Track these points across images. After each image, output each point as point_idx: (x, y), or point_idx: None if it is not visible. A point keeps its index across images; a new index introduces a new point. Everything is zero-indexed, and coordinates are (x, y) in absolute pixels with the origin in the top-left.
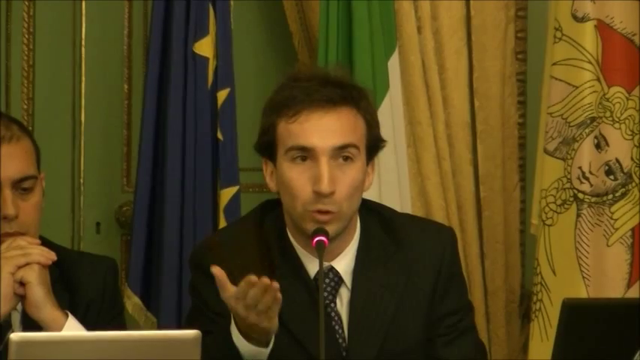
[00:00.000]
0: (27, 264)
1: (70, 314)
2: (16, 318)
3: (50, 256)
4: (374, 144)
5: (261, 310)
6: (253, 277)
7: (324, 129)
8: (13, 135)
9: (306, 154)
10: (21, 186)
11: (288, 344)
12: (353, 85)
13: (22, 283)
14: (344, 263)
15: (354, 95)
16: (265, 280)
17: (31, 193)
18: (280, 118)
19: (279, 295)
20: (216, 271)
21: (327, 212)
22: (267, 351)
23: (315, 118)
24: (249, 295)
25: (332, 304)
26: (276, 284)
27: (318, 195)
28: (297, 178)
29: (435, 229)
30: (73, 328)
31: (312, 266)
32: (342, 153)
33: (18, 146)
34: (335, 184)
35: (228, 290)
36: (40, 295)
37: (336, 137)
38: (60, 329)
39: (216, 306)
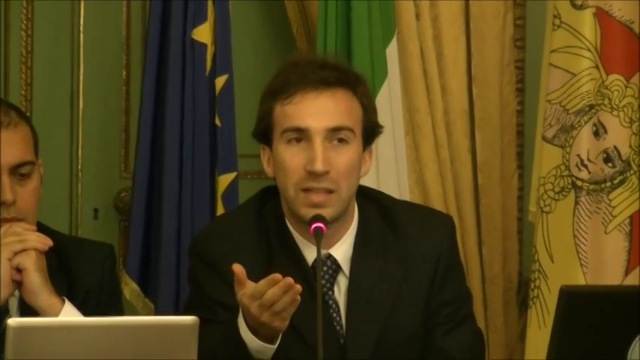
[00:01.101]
0: (23, 250)
1: (66, 300)
2: (13, 304)
3: (47, 242)
4: (371, 130)
5: (277, 310)
6: (277, 276)
7: (318, 110)
8: (11, 121)
9: (300, 135)
10: (19, 172)
11: (285, 331)
12: (349, 69)
13: (18, 270)
14: (342, 251)
15: (351, 79)
16: (289, 280)
17: (29, 179)
18: (276, 102)
19: (299, 298)
20: (237, 269)
21: (323, 192)
22: (273, 347)
23: (310, 99)
24: (268, 294)
25: (330, 292)
26: (298, 287)
27: (312, 175)
28: (291, 159)
29: (434, 217)
30: (69, 315)
31: (309, 253)
32: (336, 135)
33: (16, 132)
34: (329, 165)
35: (246, 288)
36: (37, 281)
37: (330, 118)
38: (57, 315)
39: (215, 295)
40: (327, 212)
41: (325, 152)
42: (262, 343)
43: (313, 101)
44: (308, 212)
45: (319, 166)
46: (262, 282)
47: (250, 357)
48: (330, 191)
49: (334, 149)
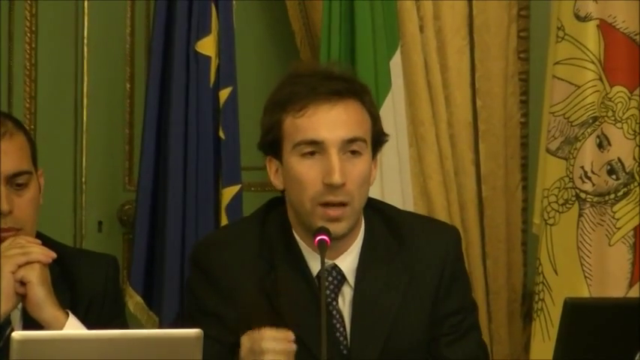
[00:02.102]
0: (27, 263)
1: (70, 313)
2: (16, 316)
3: (50, 254)
4: (378, 139)
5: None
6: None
7: (332, 121)
8: (7, 131)
9: (315, 148)
10: (15, 181)
11: None
12: (355, 79)
13: (22, 283)
14: (347, 262)
15: (358, 89)
16: (288, 333)
17: (26, 188)
18: (286, 114)
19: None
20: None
21: (339, 205)
22: None
23: (323, 111)
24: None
25: (334, 303)
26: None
27: (329, 187)
28: (307, 172)
29: (439, 228)
30: (73, 327)
31: (315, 264)
32: (350, 147)
33: (12, 142)
34: (346, 176)
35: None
36: (41, 294)
37: (345, 129)
38: (61, 329)
39: (211, 306)
40: (341, 226)
41: (342, 164)
42: None
43: (327, 113)
44: (322, 223)
45: (337, 178)
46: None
47: None
48: (344, 204)
49: (349, 160)
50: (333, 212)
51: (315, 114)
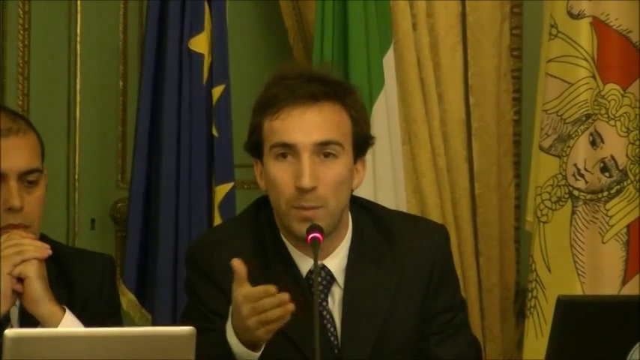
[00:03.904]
0: (23, 261)
1: (67, 309)
2: (14, 313)
3: (45, 249)
4: (362, 141)
5: (264, 320)
6: (272, 288)
7: (305, 125)
8: (20, 128)
9: (288, 150)
10: (27, 179)
11: (280, 343)
12: (338, 81)
13: (20, 279)
14: (336, 262)
15: (338, 91)
16: (284, 296)
17: (36, 186)
18: (265, 117)
19: (289, 316)
20: (237, 264)
21: (310, 207)
22: (256, 355)
23: (297, 114)
24: (263, 301)
25: (324, 303)
26: (291, 306)
27: (300, 191)
28: (281, 175)
29: (427, 228)
30: (70, 323)
31: (303, 264)
32: (324, 149)
33: (25, 139)
34: (317, 180)
35: (243, 288)
36: (38, 290)
37: (317, 133)
38: (57, 324)
39: (212, 304)
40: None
41: (313, 167)
42: (246, 349)
43: (300, 117)
44: (300, 227)
45: (306, 182)
46: (260, 288)
47: None
48: (317, 206)
49: (322, 164)
50: (306, 213)
51: (289, 116)
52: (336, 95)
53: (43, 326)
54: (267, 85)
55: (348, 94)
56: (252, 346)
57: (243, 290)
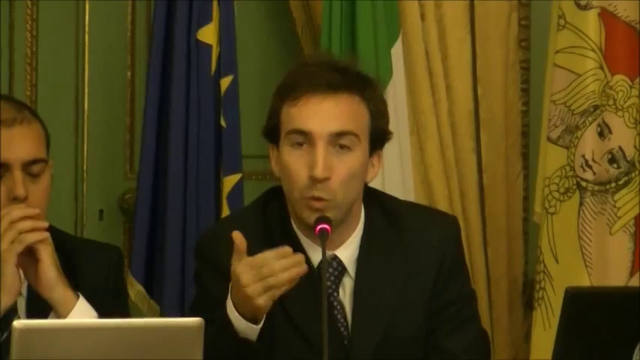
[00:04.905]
0: (25, 247)
1: (80, 295)
2: (21, 303)
3: (42, 228)
4: (379, 135)
5: (269, 284)
6: (287, 249)
7: (322, 114)
8: (25, 118)
9: (303, 138)
10: (31, 169)
11: (290, 333)
12: (359, 73)
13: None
14: (347, 252)
15: (359, 83)
16: (300, 256)
17: (41, 177)
18: (283, 102)
19: (296, 280)
20: (237, 237)
21: (319, 199)
22: (257, 328)
23: (315, 103)
24: (272, 263)
25: (335, 294)
26: (306, 266)
27: (313, 181)
28: (294, 163)
29: (438, 218)
30: (83, 309)
31: (315, 255)
32: (339, 140)
33: (29, 129)
34: (330, 171)
35: (243, 258)
36: (52, 274)
37: (333, 123)
38: (71, 309)
39: (220, 295)
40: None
41: (327, 158)
42: (246, 322)
43: (318, 105)
44: (310, 216)
45: (320, 173)
46: (270, 252)
47: (237, 337)
48: (326, 199)
49: (337, 155)
50: (315, 204)
51: (306, 104)
52: (355, 87)
53: (55, 312)
54: (290, 71)
55: (368, 86)
56: (251, 318)
57: (243, 260)
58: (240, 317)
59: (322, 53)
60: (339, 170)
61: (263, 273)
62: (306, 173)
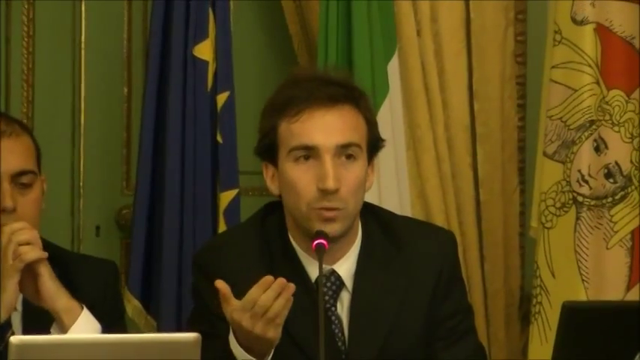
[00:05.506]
0: (26, 264)
1: (85, 307)
2: (16, 318)
3: (38, 244)
4: (374, 144)
5: (270, 317)
6: (269, 278)
7: (327, 127)
8: (14, 131)
9: (309, 153)
10: (20, 180)
11: (287, 347)
12: (353, 84)
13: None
14: (345, 267)
15: (355, 94)
16: (282, 280)
17: (30, 188)
18: (282, 119)
19: (291, 298)
20: (220, 285)
21: (331, 209)
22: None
23: (318, 117)
24: (262, 299)
25: (332, 308)
26: (292, 286)
27: (324, 192)
28: (301, 178)
29: (435, 233)
30: (87, 320)
31: (313, 269)
32: (345, 152)
33: (18, 141)
34: (339, 182)
35: (232, 305)
36: (53, 286)
37: (339, 135)
38: (76, 318)
39: (217, 308)
40: (335, 228)
41: (336, 169)
42: (252, 358)
43: (321, 118)
44: (320, 225)
45: (331, 184)
46: (253, 289)
47: None
48: (340, 208)
49: (343, 166)
50: (327, 214)
51: (309, 119)
52: (353, 98)
53: (59, 322)
54: (279, 87)
55: (362, 97)
56: (262, 355)
57: (235, 306)
58: (243, 352)
59: (309, 67)
60: (347, 180)
61: (258, 311)
62: (314, 186)
